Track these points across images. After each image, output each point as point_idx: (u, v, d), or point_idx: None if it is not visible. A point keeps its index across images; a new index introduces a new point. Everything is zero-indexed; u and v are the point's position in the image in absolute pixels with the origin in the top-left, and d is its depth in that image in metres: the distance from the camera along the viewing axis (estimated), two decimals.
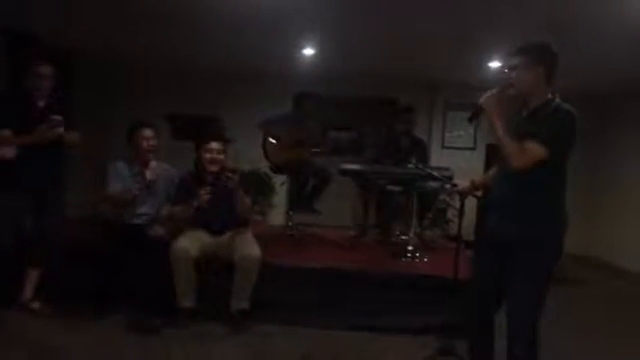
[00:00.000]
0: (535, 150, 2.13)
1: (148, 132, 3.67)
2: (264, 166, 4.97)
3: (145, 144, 3.64)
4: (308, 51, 5.45)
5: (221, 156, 3.62)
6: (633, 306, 4.87)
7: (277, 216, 6.56)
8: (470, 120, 2.43)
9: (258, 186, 6.12)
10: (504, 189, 2.34)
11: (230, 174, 3.51)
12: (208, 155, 3.60)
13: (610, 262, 6.52)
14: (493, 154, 2.58)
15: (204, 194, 3.45)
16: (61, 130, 3.26)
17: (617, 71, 5.41)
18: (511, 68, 2.29)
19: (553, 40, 2.30)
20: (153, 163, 3.66)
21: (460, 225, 3.04)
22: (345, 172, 4.48)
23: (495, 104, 2.25)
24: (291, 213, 5.12)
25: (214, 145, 3.61)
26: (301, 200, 4.88)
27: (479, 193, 2.84)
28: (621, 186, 6.59)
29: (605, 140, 6.81)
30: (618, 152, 6.67)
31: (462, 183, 2.89)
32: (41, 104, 3.37)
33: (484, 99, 2.28)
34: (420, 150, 5.00)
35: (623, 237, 6.41)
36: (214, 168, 3.59)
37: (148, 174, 3.61)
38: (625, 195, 6.49)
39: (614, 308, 4.76)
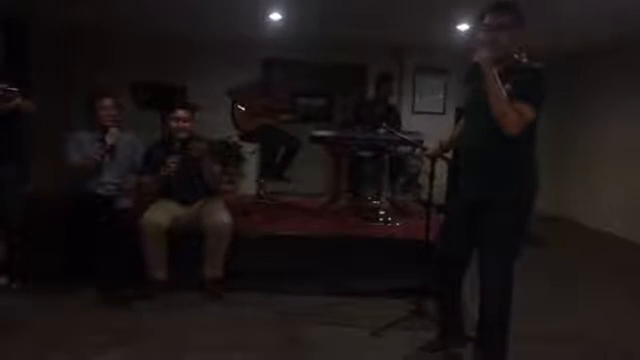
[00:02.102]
0: (529, 115, 2.13)
1: (107, 102, 3.58)
2: (233, 135, 4.89)
3: (104, 114, 3.56)
4: (275, 16, 5.33)
5: (187, 124, 3.56)
6: (600, 266, 5.02)
7: (248, 185, 6.51)
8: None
9: (228, 155, 6.03)
10: (474, 150, 2.35)
11: (198, 143, 3.44)
12: (174, 123, 3.55)
13: (577, 221, 6.74)
14: (462, 118, 2.58)
15: (171, 163, 3.40)
16: (18, 101, 3.14)
17: (584, 31, 5.47)
18: (493, 27, 2.22)
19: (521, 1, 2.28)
20: (113, 129, 3.56)
21: (431, 189, 3.07)
22: (316, 139, 4.44)
23: (492, 64, 2.16)
24: (262, 181, 5.08)
25: (180, 113, 3.55)
26: (271, 168, 4.84)
27: (448, 154, 2.86)
28: (589, 146, 6.76)
29: (574, 100, 6.93)
30: (587, 112, 6.80)
31: (431, 146, 2.89)
32: None
33: (482, 58, 2.17)
34: (394, 117, 5.01)
35: (591, 197, 6.61)
36: (182, 135, 3.53)
37: (108, 139, 3.52)
38: (593, 155, 6.66)
39: (582, 265, 4.91)
